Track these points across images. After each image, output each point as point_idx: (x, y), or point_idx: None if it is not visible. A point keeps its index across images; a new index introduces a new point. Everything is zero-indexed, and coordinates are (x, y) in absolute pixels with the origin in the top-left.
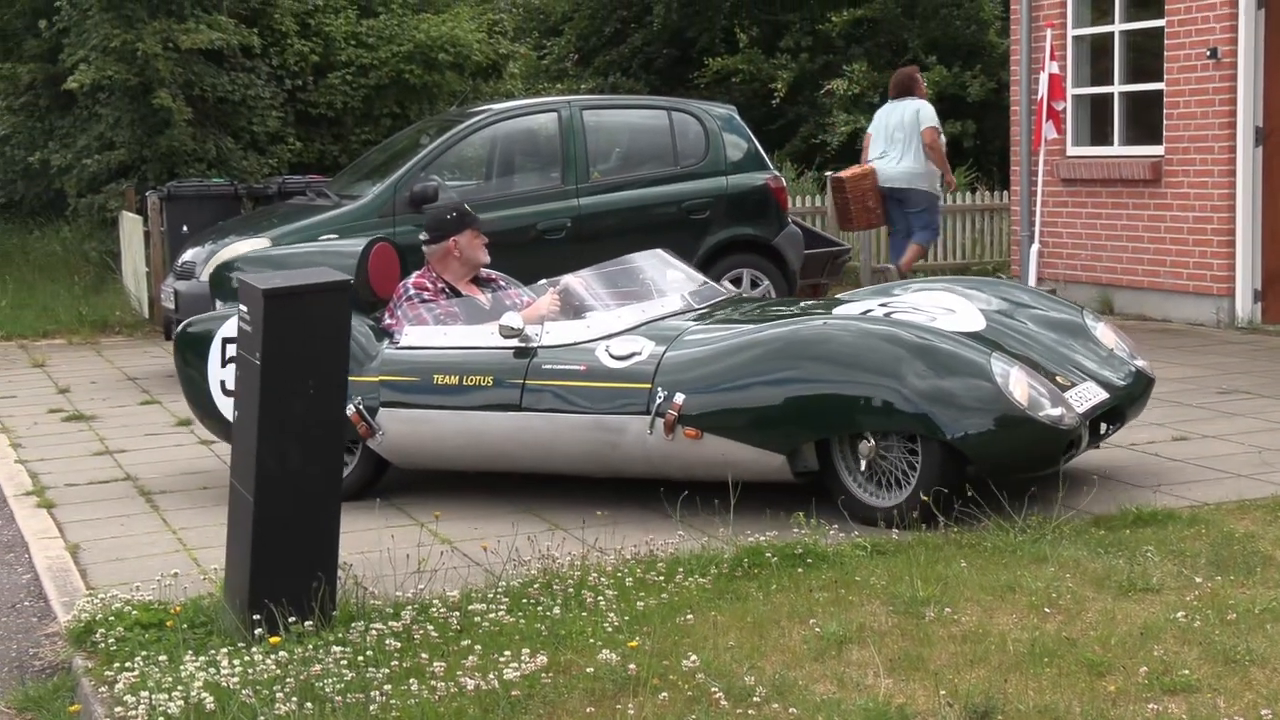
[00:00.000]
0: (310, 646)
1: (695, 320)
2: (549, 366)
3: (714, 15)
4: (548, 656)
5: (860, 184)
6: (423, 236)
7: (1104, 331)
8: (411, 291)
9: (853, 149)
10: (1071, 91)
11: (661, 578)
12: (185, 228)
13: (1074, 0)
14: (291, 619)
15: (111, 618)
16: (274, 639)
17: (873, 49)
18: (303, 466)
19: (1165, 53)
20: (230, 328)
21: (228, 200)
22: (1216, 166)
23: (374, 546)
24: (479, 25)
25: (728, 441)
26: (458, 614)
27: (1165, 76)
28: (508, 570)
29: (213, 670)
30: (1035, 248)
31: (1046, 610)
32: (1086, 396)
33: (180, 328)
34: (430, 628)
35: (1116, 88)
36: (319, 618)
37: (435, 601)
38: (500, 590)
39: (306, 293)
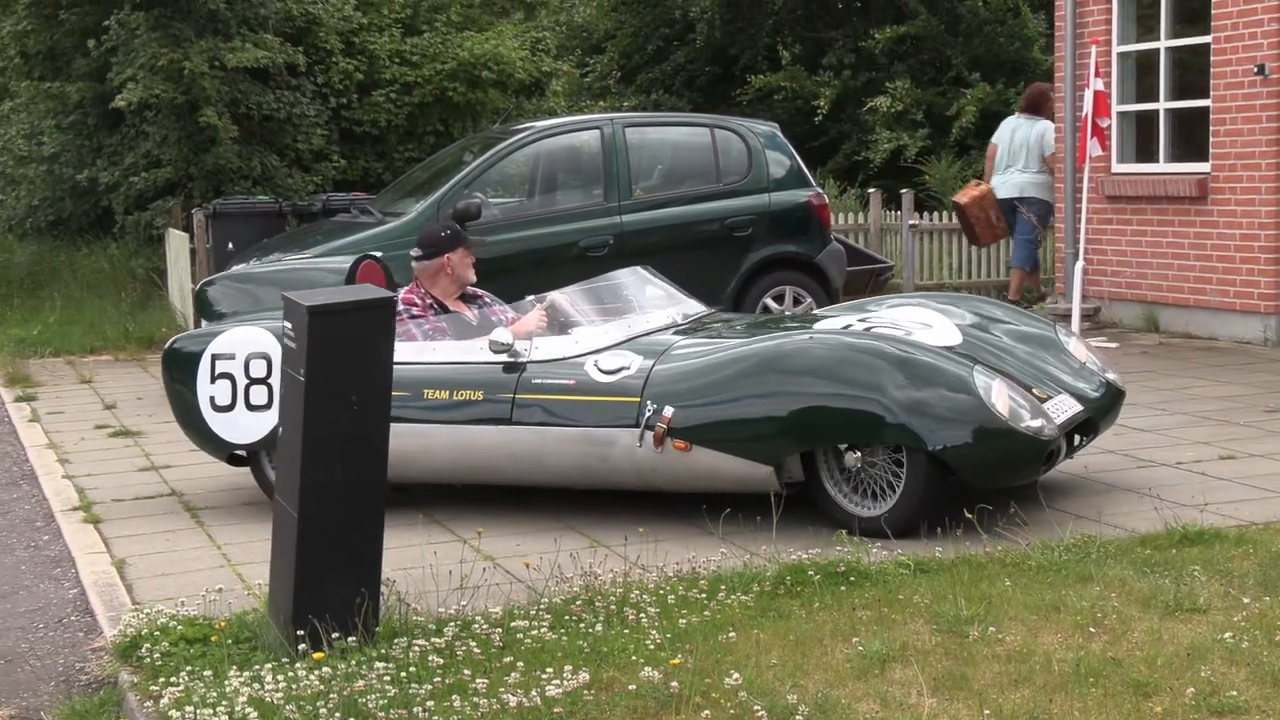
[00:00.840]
0: (353, 662)
1: (680, 335)
2: (539, 381)
3: (757, 33)
4: (590, 674)
5: (979, 204)
6: (415, 253)
7: (1076, 345)
8: (400, 307)
9: (895, 165)
10: (1116, 108)
11: (704, 595)
12: (230, 245)
13: (1119, 17)
14: (335, 634)
15: (157, 633)
16: (317, 654)
17: (916, 66)
18: (346, 482)
19: (1212, 69)
20: (219, 344)
21: (272, 217)
22: (1264, 183)
23: (417, 562)
24: (522, 43)
25: (716, 454)
26: (500, 630)
27: (1211, 93)
28: (550, 587)
29: (257, 686)
30: (1080, 265)
31: (1092, 630)
32: (1062, 408)
33: (168, 345)
34: (473, 644)
35: (1162, 104)
36: (362, 633)
37: (478, 618)
38: (543, 607)
39: (350, 309)
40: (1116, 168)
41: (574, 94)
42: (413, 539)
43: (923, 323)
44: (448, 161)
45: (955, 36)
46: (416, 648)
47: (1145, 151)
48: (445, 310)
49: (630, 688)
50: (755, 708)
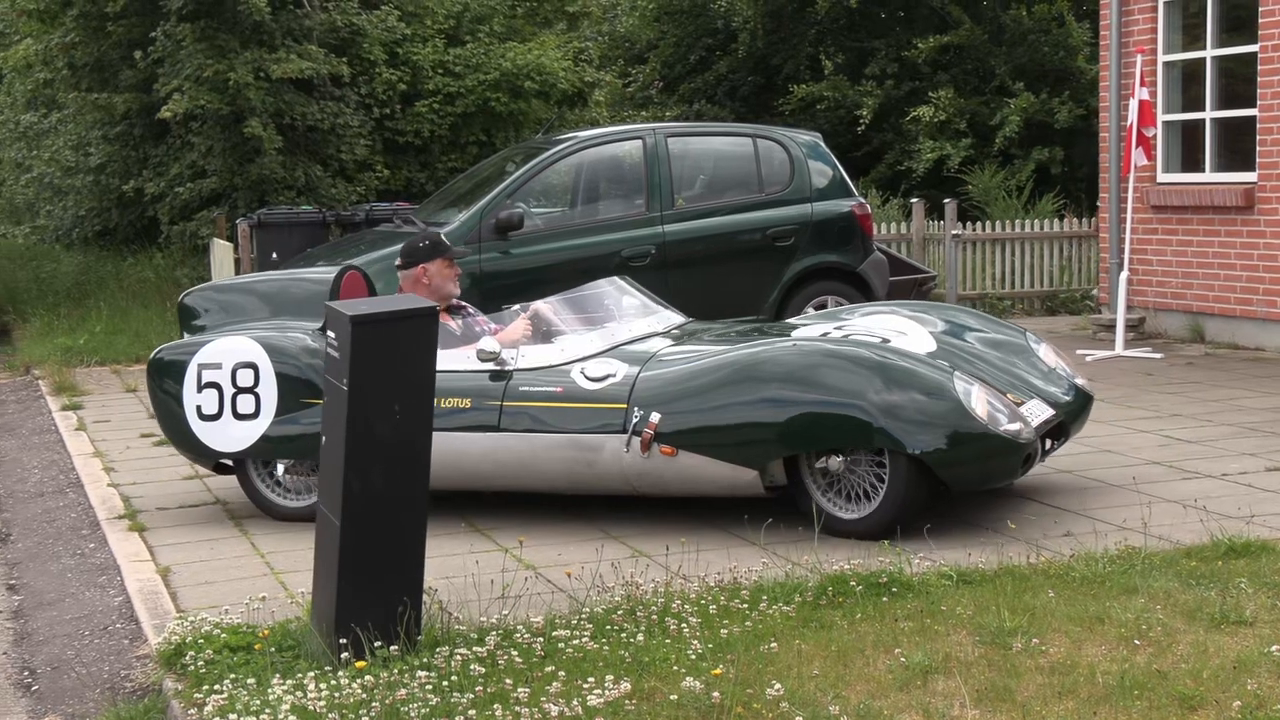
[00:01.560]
0: (396, 671)
1: (664, 343)
2: (526, 388)
3: (799, 42)
4: (631, 683)
5: None
6: (397, 262)
7: (1046, 351)
8: None
9: (938, 175)
10: (1162, 117)
11: (745, 605)
12: (275, 254)
13: (1165, 26)
14: (377, 643)
15: (201, 640)
16: (360, 663)
17: (959, 76)
18: (388, 491)
19: (1259, 78)
20: (206, 354)
21: (316, 227)
22: None
23: (459, 571)
24: (565, 53)
25: (702, 458)
26: (542, 640)
27: (1259, 102)
28: (591, 596)
29: (300, 694)
30: (1124, 275)
31: (1136, 642)
32: (1036, 413)
33: (153, 355)
34: (514, 653)
35: (1208, 114)
36: (404, 642)
37: (519, 627)
38: (584, 616)
39: (393, 319)
40: (1162, 177)
41: (616, 104)
42: (454, 548)
43: (897, 330)
44: (490, 171)
45: (999, 46)
46: (458, 656)
47: (1191, 161)
48: None
49: (672, 698)
50: (797, 718)
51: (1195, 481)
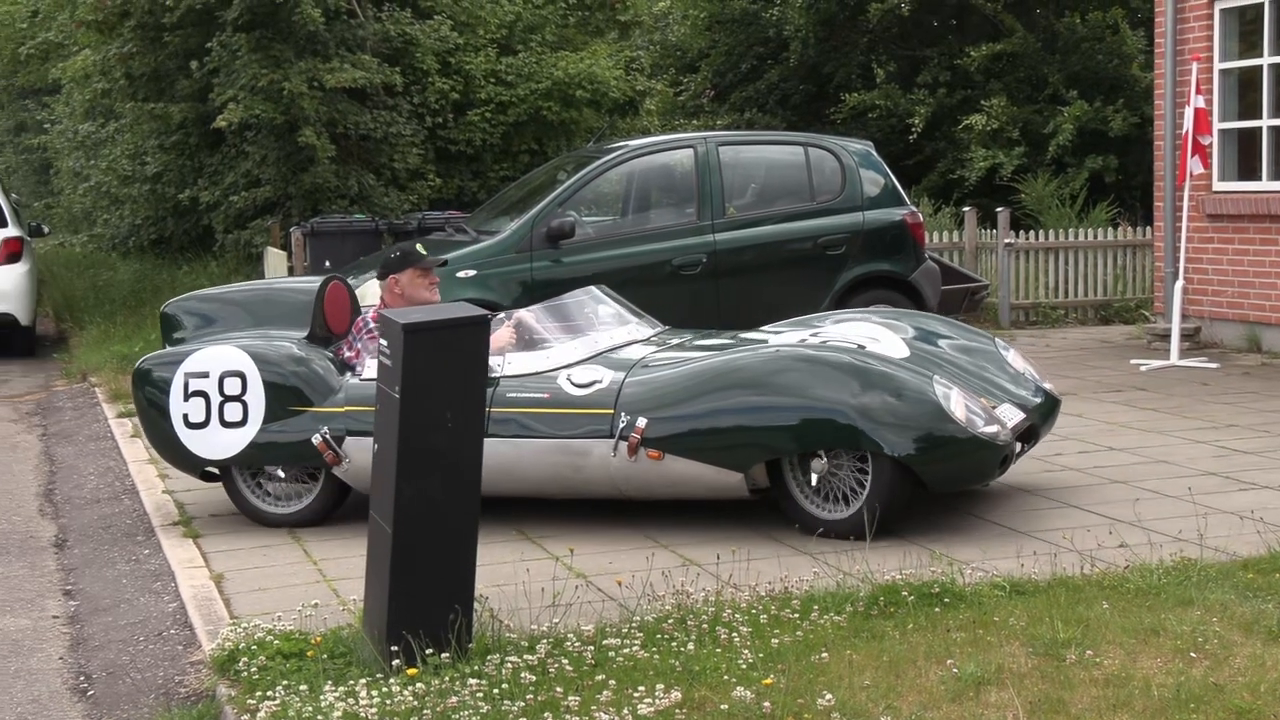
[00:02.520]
0: (447, 679)
1: (648, 350)
2: (513, 395)
3: (851, 51)
4: (682, 692)
5: None
6: (376, 273)
7: (1014, 357)
8: (372, 325)
9: (990, 184)
10: (1218, 125)
11: (796, 615)
12: (328, 263)
13: (1221, 33)
14: (429, 651)
15: (254, 647)
16: (411, 670)
17: (1012, 84)
18: (440, 499)
19: None
20: (192, 363)
21: (369, 236)
22: None
23: (509, 579)
24: (616, 62)
25: (689, 462)
26: (592, 648)
27: None
28: (642, 605)
29: (351, 701)
30: (1180, 284)
31: (1192, 655)
32: (1008, 416)
33: (139, 364)
34: (565, 662)
35: (1265, 121)
36: (455, 650)
37: (570, 635)
38: (634, 625)
39: (445, 327)
40: (1218, 185)
41: (668, 113)
42: (505, 556)
43: (870, 337)
44: (542, 180)
45: (1052, 54)
46: (509, 665)
47: (1248, 169)
48: None
49: (722, 707)
50: None
51: (1252, 493)
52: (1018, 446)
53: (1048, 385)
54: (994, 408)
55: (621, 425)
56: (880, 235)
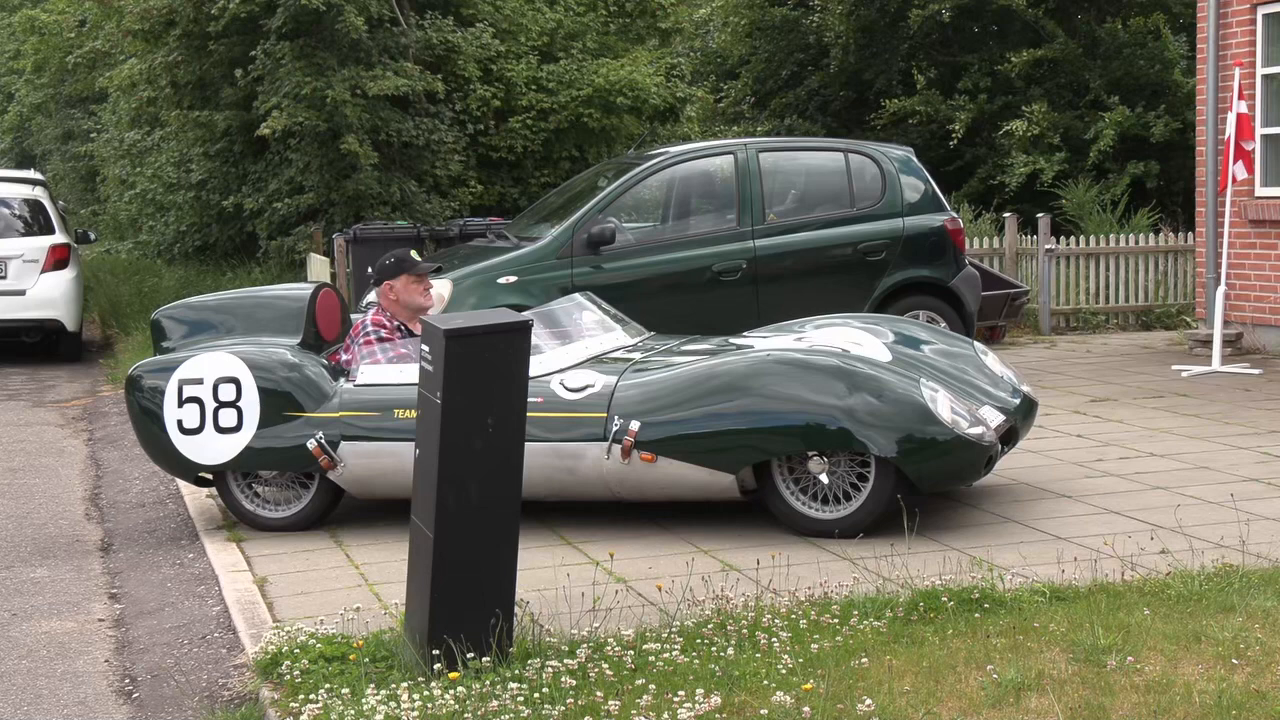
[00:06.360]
0: (488, 683)
1: (638, 355)
2: None
3: (891, 57)
4: (721, 697)
5: None
6: (372, 280)
7: (993, 361)
8: (370, 329)
9: (1031, 190)
10: (1260, 131)
11: (836, 620)
12: (369, 269)
13: (1263, 38)
14: (470, 655)
15: (297, 650)
16: (453, 674)
17: (1052, 90)
18: (482, 504)
19: None
20: (187, 369)
21: (411, 242)
22: None
23: (550, 584)
24: (657, 69)
25: (681, 464)
26: (632, 653)
27: None
28: (682, 610)
29: (393, 704)
30: (1221, 290)
31: (1234, 661)
32: (991, 418)
33: (132, 370)
34: (605, 666)
35: None
36: (496, 654)
37: (610, 640)
38: (674, 630)
39: (487, 333)
40: (1260, 191)
41: (708, 119)
42: (546, 560)
43: (852, 342)
44: (583, 186)
45: (1093, 60)
46: (550, 669)
47: None
48: (411, 334)
49: (762, 712)
50: None
51: None
52: (999, 447)
53: (1026, 388)
54: (976, 410)
55: (615, 429)
56: (920, 241)
